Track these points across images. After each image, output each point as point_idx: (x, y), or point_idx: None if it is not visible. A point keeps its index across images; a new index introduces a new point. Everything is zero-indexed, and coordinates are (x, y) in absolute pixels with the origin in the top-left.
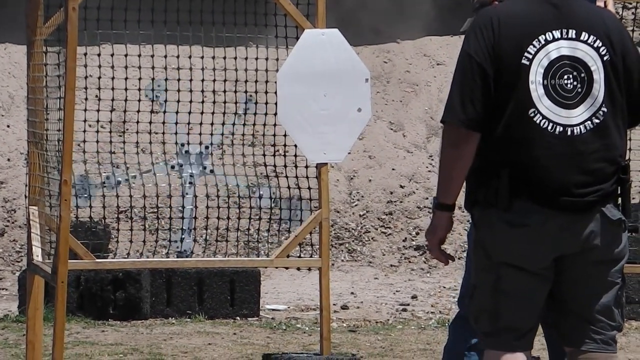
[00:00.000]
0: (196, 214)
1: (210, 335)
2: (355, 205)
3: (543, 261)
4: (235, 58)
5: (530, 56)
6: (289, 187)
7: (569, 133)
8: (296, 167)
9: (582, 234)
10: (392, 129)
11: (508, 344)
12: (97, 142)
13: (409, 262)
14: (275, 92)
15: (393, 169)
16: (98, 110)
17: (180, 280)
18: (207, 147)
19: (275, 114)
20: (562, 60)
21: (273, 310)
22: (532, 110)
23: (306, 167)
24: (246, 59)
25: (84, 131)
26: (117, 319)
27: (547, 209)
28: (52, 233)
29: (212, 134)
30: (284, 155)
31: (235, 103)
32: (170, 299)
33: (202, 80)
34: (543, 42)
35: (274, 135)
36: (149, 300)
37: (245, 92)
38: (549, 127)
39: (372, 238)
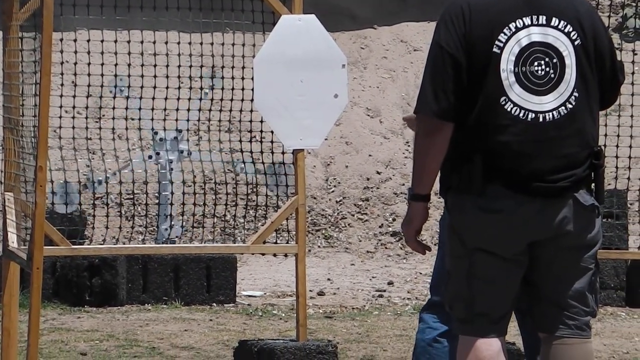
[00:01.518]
0: (172, 201)
1: (186, 321)
2: (332, 191)
3: (516, 247)
4: (212, 44)
5: (501, 44)
6: (265, 173)
7: (540, 119)
8: (272, 153)
9: (554, 220)
10: (368, 115)
11: (482, 330)
12: (73, 128)
13: (385, 248)
14: (252, 78)
15: (370, 155)
16: (74, 96)
17: (157, 267)
18: (180, 131)
19: (252, 100)
20: (533, 46)
21: (249, 296)
22: (503, 98)
23: (282, 153)
24: (222, 44)
25: (60, 117)
26: (93, 305)
27: (520, 194)
28: (27, 219)
29: (188, 120)
30: (261, 141)
31: (212, 89)
32: (146, 285)
33: (179, 66)
34: (514, 30)
35: (251, 121)
36: (125, 286)
37: (232, 89)
38: (521, 114)
39: (348, 224)
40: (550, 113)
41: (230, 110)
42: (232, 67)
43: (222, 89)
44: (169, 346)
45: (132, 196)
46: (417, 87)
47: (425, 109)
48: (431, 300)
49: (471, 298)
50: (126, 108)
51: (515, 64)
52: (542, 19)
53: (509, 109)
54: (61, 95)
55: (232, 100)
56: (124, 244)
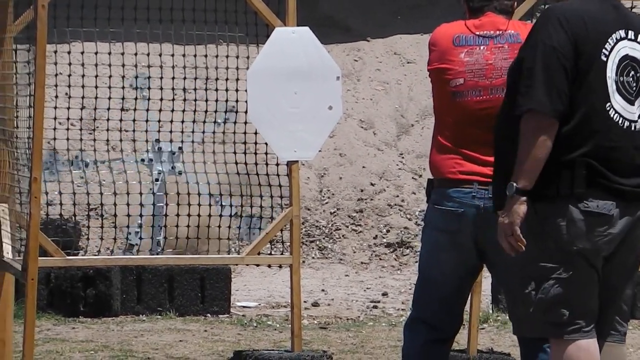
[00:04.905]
0: (167, 212)
1: (180, 332)
2: (326, 202)
3: (609, 249)
4: (206, 56)
5: (607, 52)
6: (259, 185)
7: (632, 128)
8: (267, 164)
9: (636, 224)
10: (362, 127)
11: (582, 332)
12: (67, 139)
13: (380, 259)
14: (246, 90)
15: (363, 167)
16: (68, 108)
17: (151, 278)
18: (180, 148)
19: (246, 112)
20: (627, 59)
21: (244, 307)
22: (608, 104)
23: (277, 164)
24: (216, 56)
25: (54, 129)
26: (87, 316)
27: (619, 199)
28: (22, 230)
29: (182, 132)
30: (255, 153)
31: (206, 101)
32: (140, 296)
33: (173, 78)
34: (616, 40)
35: (245, 133)
36: (119, 297)
37: (226, 101)
38: (619, 122)
39: (342, 235)
40: (637, 123)
41: (224, 122)
42: (226, 79)
43: (217, 100)
44: (163, 357)
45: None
46: (410, 99)
47: (539, 107)
48: (412, 315)
49: (574, 301)
50: (120, 120)
51: (616, 73)
52: (631, 34)
53: (612, 115)
54: (55, 107)
55: (226, 112)
56: (117, 254)
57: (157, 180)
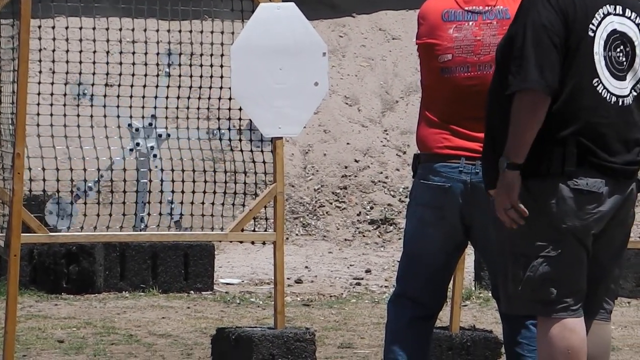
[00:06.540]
0: (150, 188)
1: (164, 309)
2: (310, 179)
3: (599, 227)
4: (191, 31)
5: (594, 28)
6: (243, 161)
7: (620, 103)
8: (251, 141)
9: (626, 202)
10: (347, 104)
11: (573, 310)
12: (51, 115)
13: (363, 236)
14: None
15: (348, 144)
16: (52, 83)
17: (134, 254)
18: (154, 117)
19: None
20: (615, 34)
21: (227, 284)
22: (596, 80)
23: (261, 140)
24: (201, 32)
25: (38, 104)
26: (70, 292)
27: (608, 176)
28: (5, 206)
29: (166, 107)
30: (239, 129)
31: (190, 77)
32: (123, 272)
33: (157, 54)
34: (602, 16)
35: (229, 109)
36: (102, 274)
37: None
38: (608, 97)
39: (326, 212)
40: (627, 98)
41: (209, 98)
42: (211, 55)
43: (201, 76)
44: (146, 333)
45: (110, 183)
46: (395, 75)
47: (533, 84)
48: (397, 291)
49: (562, 280)
50: (104, 95)
51: (604, 48)
52: (619, 9)
53: (600, 91)
54: (39, 82)
55: (210, 87)
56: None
57: (131, 150)
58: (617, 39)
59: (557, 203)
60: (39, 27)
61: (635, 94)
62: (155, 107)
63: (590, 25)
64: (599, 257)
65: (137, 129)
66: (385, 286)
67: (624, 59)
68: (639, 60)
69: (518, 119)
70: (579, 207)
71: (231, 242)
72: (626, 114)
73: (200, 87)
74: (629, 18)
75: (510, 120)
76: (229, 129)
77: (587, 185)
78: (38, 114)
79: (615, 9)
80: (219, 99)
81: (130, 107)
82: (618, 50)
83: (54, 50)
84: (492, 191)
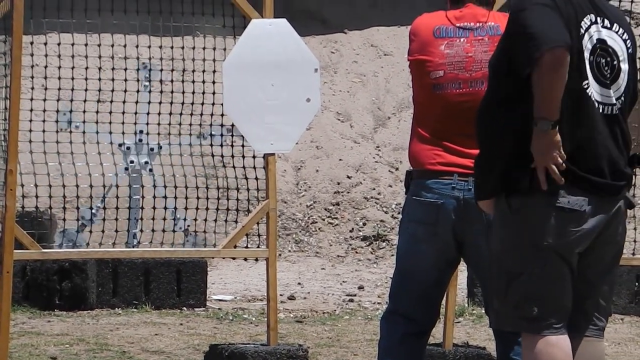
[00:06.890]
0: (143, 204)
1: (156, 325)
2: (303, 195)
3: (584, 245)
4: (183, 47)
5: (583, 31)
6: (236, 178)
7: (603, 111)
8: (243, 157)
9: (614, 219)
10: (339, 120)
11: (556, 328)
12: (44, 131)
13: (356, 252)
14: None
15: (340, 160)
16: (44, 100)
17: (127, 270)
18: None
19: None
20: (602, 43)
21: (220, 300)
22: (586, 82)
23: (253, 157)
24: (193, 48)
25: (30, 120)
26: (63, 309)
27: (591, 194)
28: None
29: (159, 124)
30: (232, 146)
31: (182, 93)
32: (116, 289)
33: (150, 70)
34: (589, 23)
35: (222, 125)
36: (95, 290)
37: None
38: (596, 105)
39: (319, 228)
40: (612, 107)
41: (201, 115)
42: (203, 71)
43: (193, 92)
44: (139, 350)
45: (103, 199)
46: (387, 91)
47: (553, 43)
48: (389, 307)
49: (545, 297)
50: (97, 112)
51: (590, 53)
52: (607, 22)
53: (589, 94)
54: (31, 99)
55: (202, 104)
56: (94, 247)
57: (126, 169)
58: (602, 48)
59: (539, 221)
60: (31, 43)
61: (619, 107)
62: (147, 124)
63: (582, 24)
64: (586, 275)
65: (128, 147)
66: (378, 302)
67: (608, 70)
68: (624, 75)
69: (543, 80)
70: (561, 225)
71: (224, 258)
72: (612, 123)
73: (192, 103)
74: (617, 32)
75: (535, 90)
76: (221, 145)
77: (568, 204)
78: (30, 130)
79: (602, 20)
80: (211, 115)
81: (123, 123)
82: (602, 60)
83: (46, 67)
84: (481, 202)
